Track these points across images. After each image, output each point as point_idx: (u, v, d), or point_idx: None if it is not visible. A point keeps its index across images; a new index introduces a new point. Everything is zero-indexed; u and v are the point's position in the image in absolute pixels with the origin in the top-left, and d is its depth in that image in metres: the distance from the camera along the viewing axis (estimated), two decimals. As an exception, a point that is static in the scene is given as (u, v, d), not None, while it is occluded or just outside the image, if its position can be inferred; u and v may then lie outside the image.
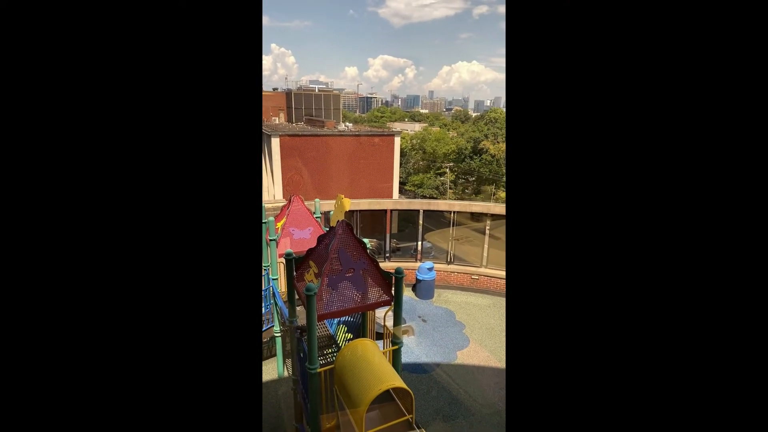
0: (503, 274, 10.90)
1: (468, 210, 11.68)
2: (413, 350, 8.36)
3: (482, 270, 11.20)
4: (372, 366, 3.39)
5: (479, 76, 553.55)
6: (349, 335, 5.20)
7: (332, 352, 5.00)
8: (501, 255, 11.21)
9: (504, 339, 8.75)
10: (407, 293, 10.93)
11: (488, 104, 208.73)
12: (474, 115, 79.18)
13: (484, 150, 40.11)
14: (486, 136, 41.31)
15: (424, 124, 67.99)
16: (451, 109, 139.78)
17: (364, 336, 4.73)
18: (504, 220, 11.20)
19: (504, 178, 39.08)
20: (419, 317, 9.80)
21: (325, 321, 5.30)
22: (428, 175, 43.24)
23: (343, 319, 5.15)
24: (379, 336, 4.87)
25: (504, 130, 41.19)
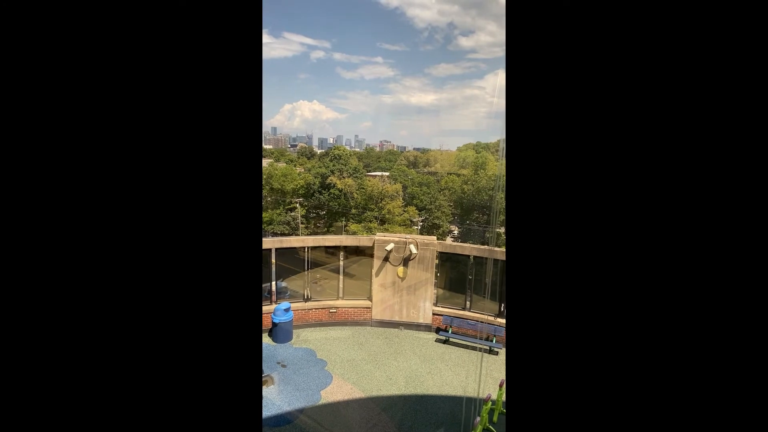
0: (359, 303, 11.26)
1: (321, 244, 11.77)
2: (274, 401, 7.73)
3: (339, 302, 11.34)
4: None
5: (321, 115, 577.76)
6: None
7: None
8: (356, 284, 11.59)
9: (365, 369, 8.96)
10: (264, 339, 10.17)
11: (331, 142, 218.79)
12: (319, 152, 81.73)
13: (332, 185, 41.60)
14: (332, 171, 43.00)
15: (270, 160, 66.75)
16: (296, 146, 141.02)
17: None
18: (357, 255, 11.69)
19: (353, 211, 41.15)
20: (278, 363, 9.19)
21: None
22: (278, 211, 42.18)
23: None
24: (234, 394, 4.35)
25: (348, 167, 43.81)
